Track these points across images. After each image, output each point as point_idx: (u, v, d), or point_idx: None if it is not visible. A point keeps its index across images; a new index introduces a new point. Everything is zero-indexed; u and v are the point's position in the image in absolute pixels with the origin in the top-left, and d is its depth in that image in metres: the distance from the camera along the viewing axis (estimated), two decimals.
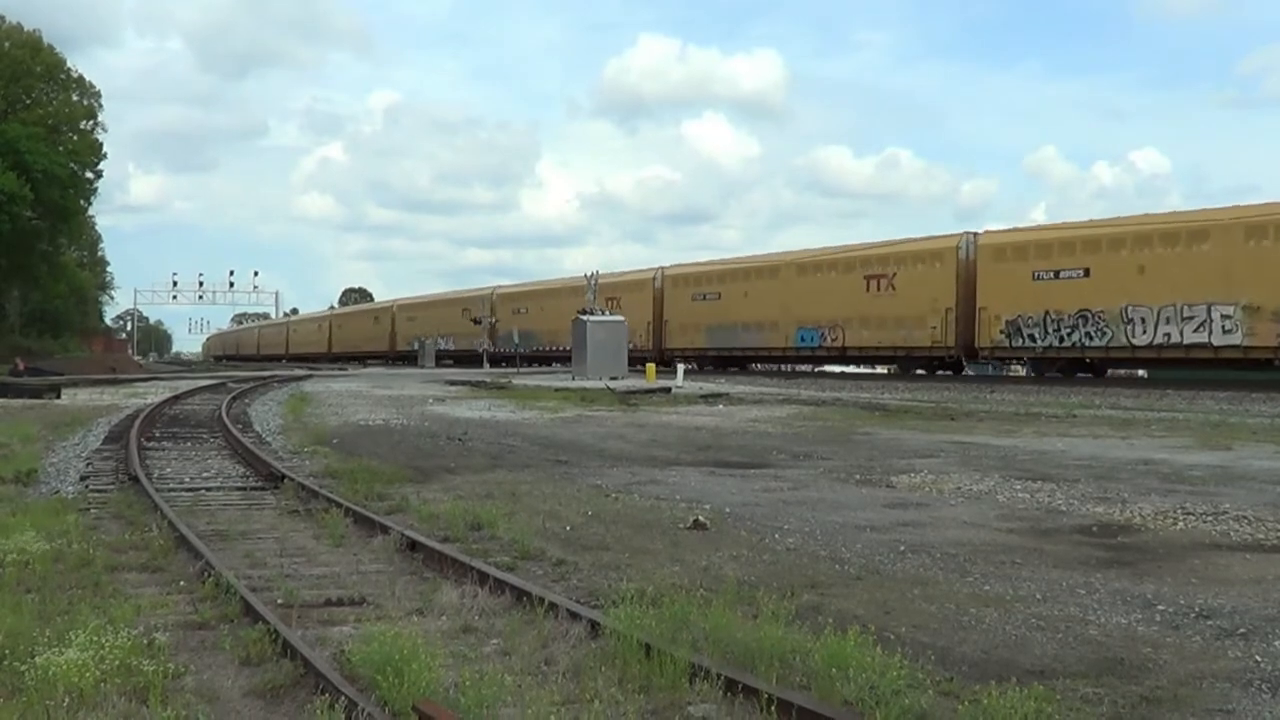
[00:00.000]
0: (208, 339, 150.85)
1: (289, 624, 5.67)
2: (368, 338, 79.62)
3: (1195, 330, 28.28)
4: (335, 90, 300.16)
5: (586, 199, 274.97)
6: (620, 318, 40.37)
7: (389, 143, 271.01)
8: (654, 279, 49.17)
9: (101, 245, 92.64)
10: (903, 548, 8.04)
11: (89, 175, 59.72)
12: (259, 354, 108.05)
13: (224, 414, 19.63)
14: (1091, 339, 30.81)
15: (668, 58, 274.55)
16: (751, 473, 12.69)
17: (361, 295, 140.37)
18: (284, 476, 11.54)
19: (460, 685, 4.60)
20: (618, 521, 9.25)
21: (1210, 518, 9.17)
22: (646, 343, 46.72)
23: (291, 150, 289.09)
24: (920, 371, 37.38)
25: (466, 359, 59.87)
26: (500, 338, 58.31)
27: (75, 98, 58.35)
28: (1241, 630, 5.74)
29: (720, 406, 25.29)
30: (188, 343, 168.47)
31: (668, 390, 30.02)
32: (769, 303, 41.64)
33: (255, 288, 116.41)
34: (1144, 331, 29.31)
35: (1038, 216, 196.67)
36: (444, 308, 67.31)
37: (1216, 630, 5.76)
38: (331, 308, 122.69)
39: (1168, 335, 28.77)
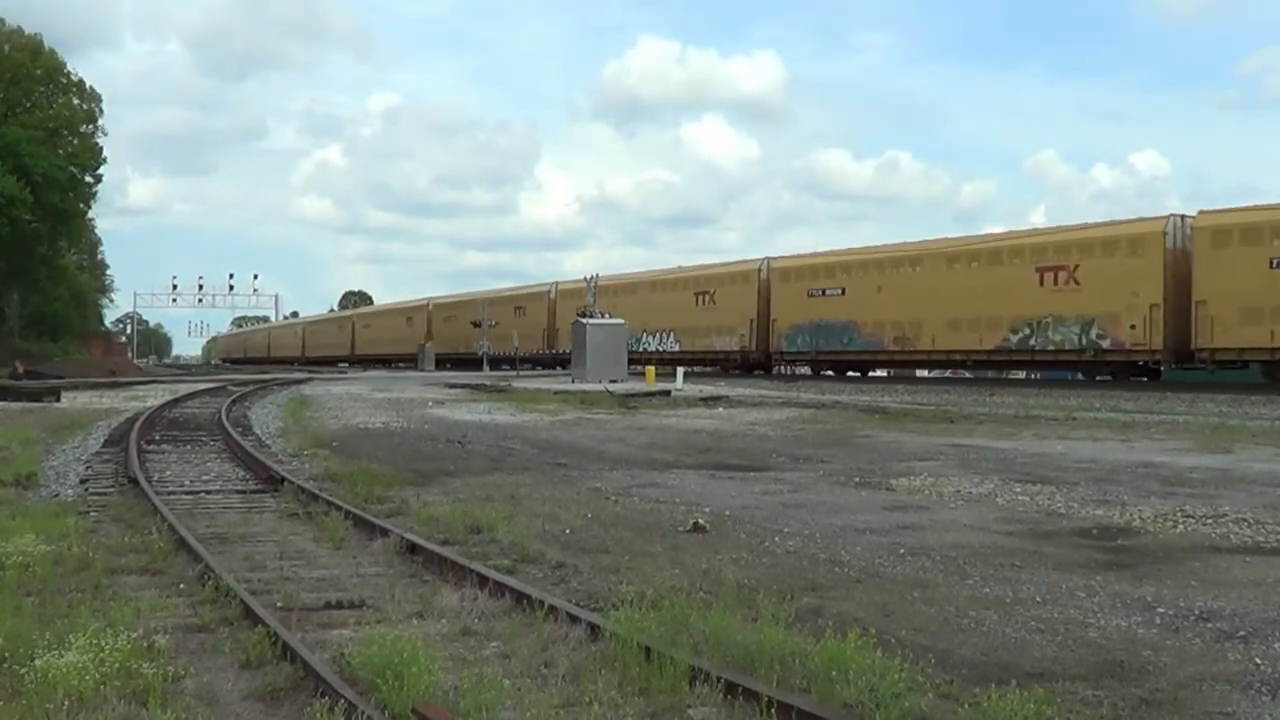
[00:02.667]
0: (211, 341, 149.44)
1: (289, 627, 5.67)
2: (397, 339, 71.97)
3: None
4: (334, 92, 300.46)
5: (586, 201, 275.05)
6: (620, 320, 40.35)
7: (388, 145, 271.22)
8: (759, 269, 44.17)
9: (101, 248, 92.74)
10: (903, 550, 8.04)
11: (89, 179, 59.77)
12: (269, 356, 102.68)
13: (224, 417, 19.63)
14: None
15: (667, 60, 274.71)
16: (751, 475, 12.69)
17: (362, 298, 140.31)
18: (284, 479, 11.54)
19: (460, 688, 4.60)
20: (617, 524, 9.25)
21: (1210, 520, 9.17)
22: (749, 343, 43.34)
23: (290, 153, 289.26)
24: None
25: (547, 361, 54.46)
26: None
27: (75, 101, 58.39)
28: (1242, 633, 5.74)
29: (720, 409, 25.30)
30: (187, 346, 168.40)
31: (667, 393, 30.02)
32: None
33: (255, 291, 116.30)
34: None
35: (1037, 219, 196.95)
36: (494, 307, 60.23)
37: (1216, 633, 5.76)
38: (331, 309, 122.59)
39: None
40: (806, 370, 43.00)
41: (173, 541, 8.10)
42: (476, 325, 58.07)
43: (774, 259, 43.66)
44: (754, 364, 44.38)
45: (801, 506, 10.22)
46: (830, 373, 41.37)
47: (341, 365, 76.69)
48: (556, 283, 57.05)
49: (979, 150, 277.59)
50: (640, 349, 45.99)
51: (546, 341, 55.28)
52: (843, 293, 39.08)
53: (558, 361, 50.37)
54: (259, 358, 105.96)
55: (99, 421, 19.69)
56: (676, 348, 46.81)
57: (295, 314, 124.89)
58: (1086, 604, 6.40)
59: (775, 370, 45.27)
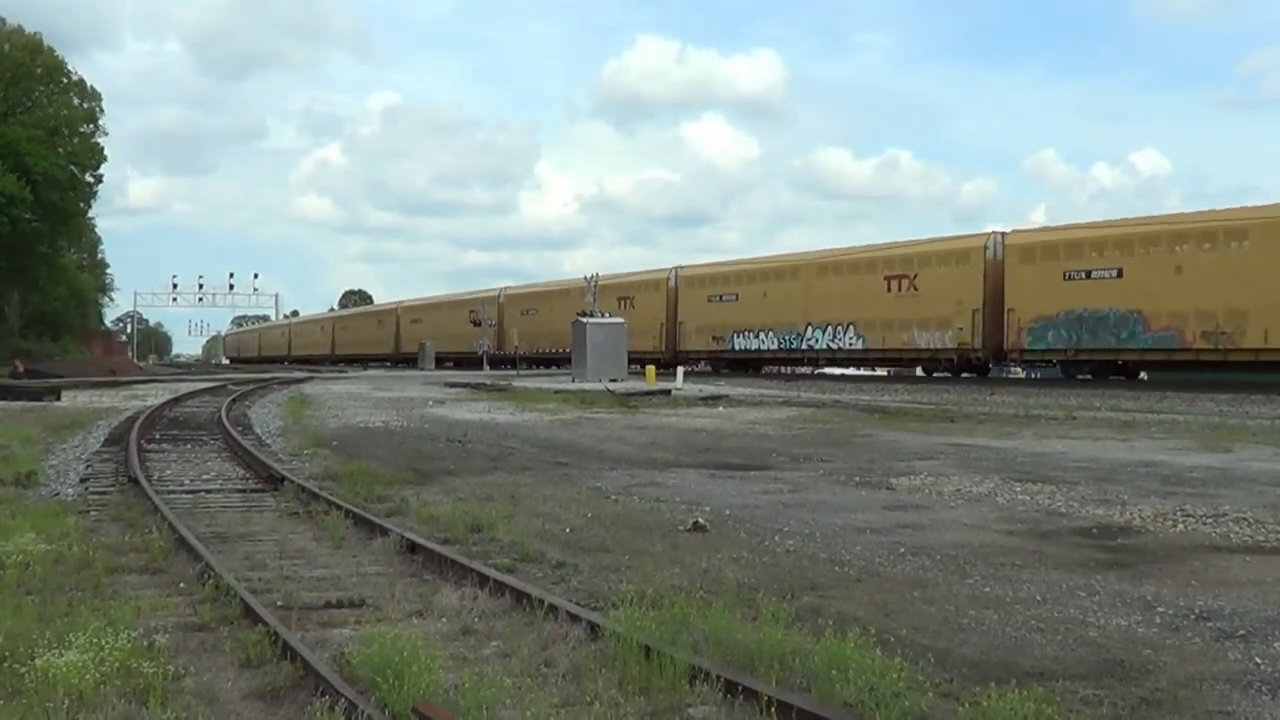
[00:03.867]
0: (212, 340, 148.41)
1: (289, 626, 5.67)
2: (456, 335, 61.79)
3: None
4: (334, 92, 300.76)
5: (586, 201, 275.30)
6: (621, 320, 40.36)
7: (388, 144, 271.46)
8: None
9: (101, 248, 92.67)
10: (903, 550, 8.04)
11: (89, 178, 59.74)
12: (290, 355, 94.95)
13: (224, 416, 19.62)
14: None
15: (667, 59, 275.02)
16: (751, 475, 12.69)
17: (362, 297, 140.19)
18: (284, 478, 11.54)
19: (460, 687, 4.60)
20: (617, 523, 9.25)
21: (1210, 520, 9.17)
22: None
23: (290, 152, 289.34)
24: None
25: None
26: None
27: (76, 101, 58.37)
28: (1241, 632, 5.74)
29: (720, 408, 25.29)
30: (188, 345, 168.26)
31: (667, 392, 30.02)
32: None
33: (255, 290, 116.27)
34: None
35: (1037, 218, 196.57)
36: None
37: (1216, 632, 5.76)
38: (331, 308, 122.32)
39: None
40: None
41: (173, 540, 8.10)
42: (476, 324, 57.90)
43: (1009, 233, 34.95)
44: (978, 365, 36.68)
45: (801, 506, 10.22)
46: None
47: (383, 365, 70.78)
48: (677, 267, 48.22)
49: (979, 150, 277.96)
50: (804, 345, 40.47)
51: (665, 339, 46.77)
52: (1119, 274, 30.81)
53: (677, 363, 42.51)
54: (276, 356, 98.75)
55: (99, 420, 19.69)
56: (859, 344, 38.57)
57: (295, 313, 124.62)
58: (1086, 603, 6.40)
59: (1007, 373, 40.51)
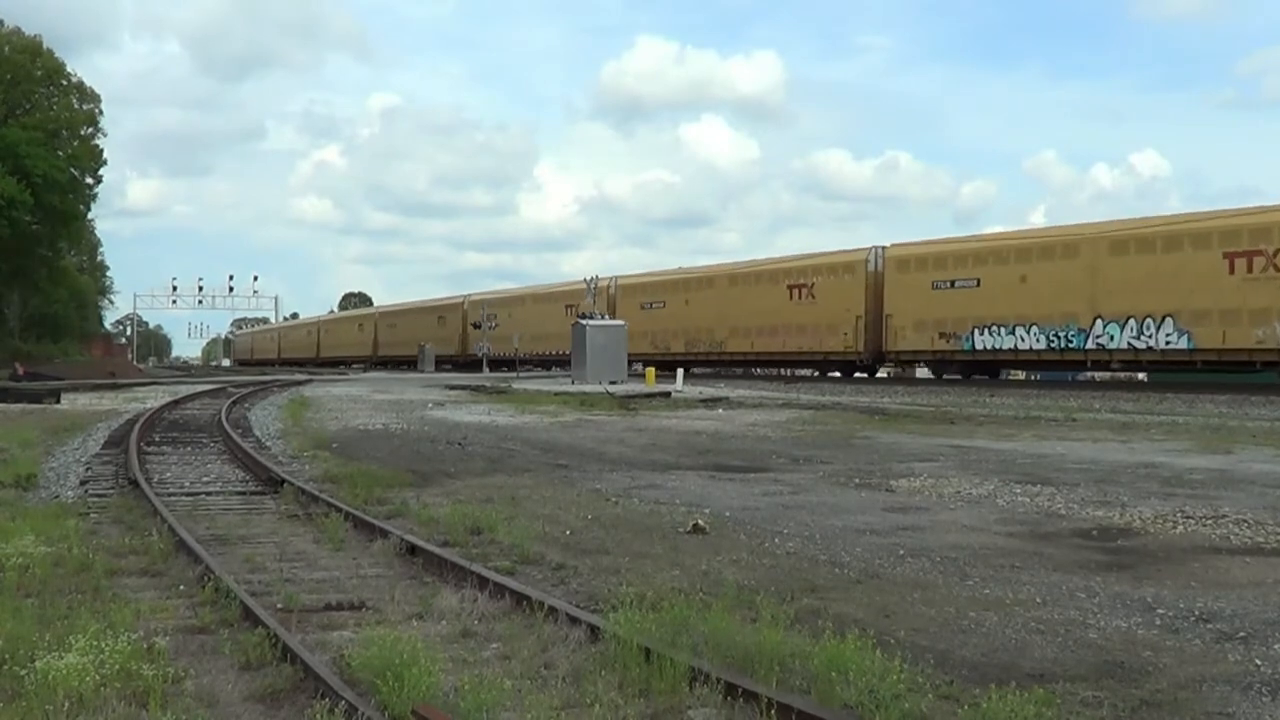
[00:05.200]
0: (221, 340, 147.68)
1: (289, 628, 5.67)
2: (551, 334, 53.33)
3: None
4: (333, 93, 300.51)
5: (585, 202, 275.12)
6: (621, 322, 40.34)
7: (387, 146, 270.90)
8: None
9: (101, 250, 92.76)
10: (902, 551, 8.04)
11: (89, 180, 59.73)
12: (319, 357, 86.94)
13: (224, 419, 19.63)
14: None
15: (666, 60, 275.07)
16: (751, 477, 12.69)
17: (361, 299, 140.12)
18: (283, 481, 11.54)
19: (460, 689, 4.60)
20: (617, 526, 9.25)
21: (1210, 521, 9.17)
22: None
23: (289, 153, 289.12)
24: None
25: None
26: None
27: (75, 103, 58.35)
28: (1241, 634, 5.74)
29: (720, 411, 25.30)
30: (187, 347, 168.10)
31: (667, 394, 30.02)
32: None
33: (255, 292, 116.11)
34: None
35: (1037, 219, 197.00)
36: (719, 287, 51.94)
37: (1216, 634, 5.76)
38: (331, 311, 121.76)
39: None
40: None
41: (173, 543, 8.09)
42: (476, 326, 58.05)
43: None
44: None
45: (801, 508, 10.22)
46: None
47: (444, 368, 61.60)
48: (877, 247, 38.44)
49: (979, 150, 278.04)
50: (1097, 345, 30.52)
51: (866, 336, 37.84)
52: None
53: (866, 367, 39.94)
54: (299, 358, 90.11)
55: (99, 423, 19.70)
56: (1184, 344, 28.44)
57: (295, 315, 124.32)
58: (1086, 605, 6.40)
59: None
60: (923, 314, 35.51)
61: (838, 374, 40.52)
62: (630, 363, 43.23)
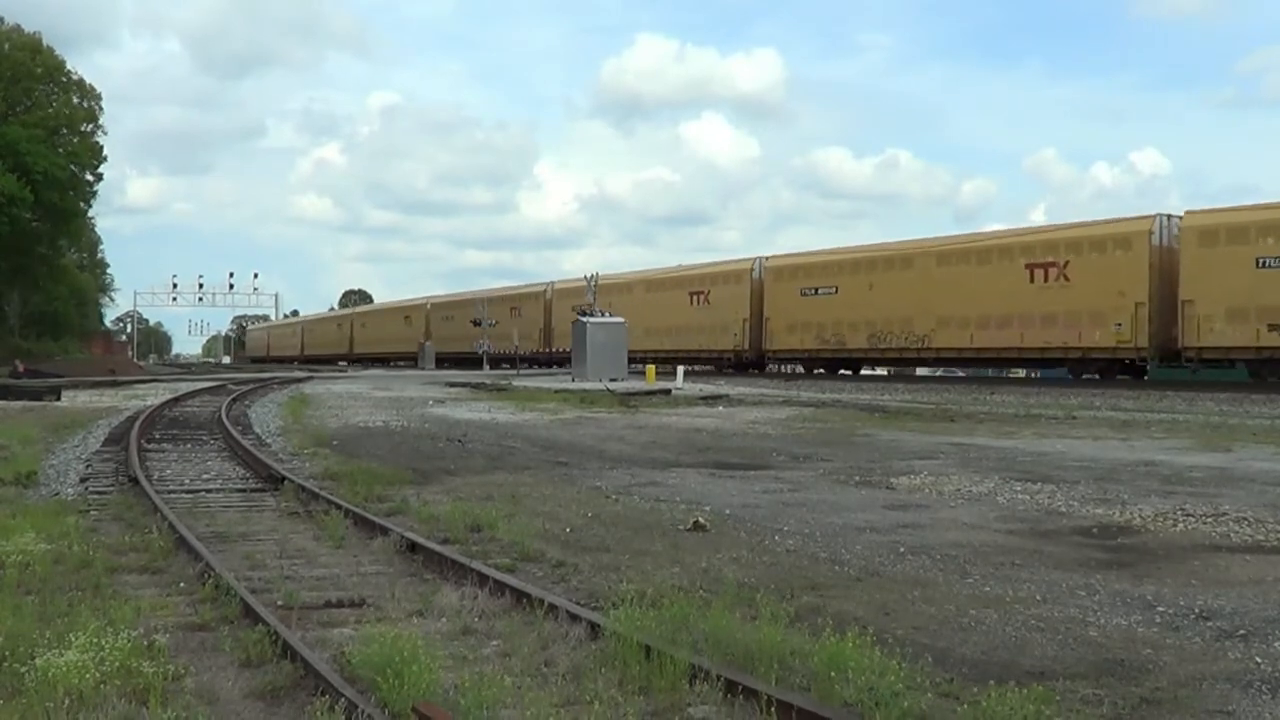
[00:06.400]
0: (212, 339, 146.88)
1: (289, 626, 5.67)
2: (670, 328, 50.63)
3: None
4: (333, 91, 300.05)
5: (585, 200, 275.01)
6: (620, 319, 40.34)
7: (387, 144, 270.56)
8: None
9: (101, 247, 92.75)
10: (902, 549, 8.04)
11: (89, 178, 59.78)
12: (351, 353, 77.48)
13: (224, 416, 19.62)
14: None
15: (666, 58, 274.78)
16: (751, 474, 12.69)
17: (362, 297, 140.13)
18: (284, 478, 11.54)
19: (460, 687, 4.60)
20: (617, 523, 9.25)
21: (1210, 519, 9.17)
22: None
23: (289, 151, 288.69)
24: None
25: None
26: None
27: (75, 100, 58.36)
28: (1242, 632, 5.74)
29: (720, 408, 25.29)
30: (188, 344, 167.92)
31: (668, 392, 30.02)
32: None
33: (255, 290, 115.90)
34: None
35: (1037, 218, 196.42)
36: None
37: (1216, 632, 5.76)
38: (331, 309, 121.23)
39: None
40: None
41: (173, 540, 8.09)
42: (476, 324, 57.65)
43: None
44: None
45: (801, 505, 10.22)
46: None
47: (503, 365, 54.69)
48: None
49: (979, 149, 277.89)
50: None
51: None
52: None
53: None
54: (327, 355, 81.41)
55: (99, 420, 19.69)
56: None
57: (295, 313, 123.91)
58: (1086, 602, 6.40)
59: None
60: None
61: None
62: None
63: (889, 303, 37.22)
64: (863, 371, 43.43)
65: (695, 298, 46.35)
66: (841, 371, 42.17)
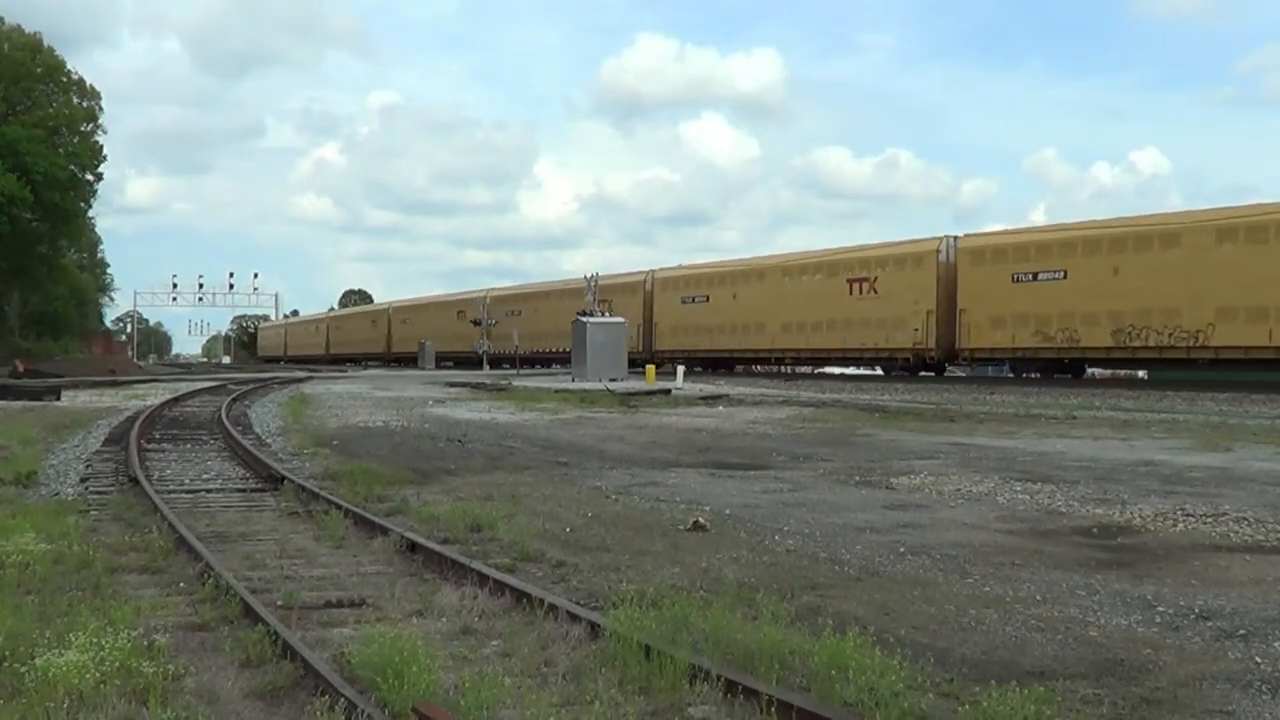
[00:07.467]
0: (212, 339, 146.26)
1: (289, 626, 5.67)
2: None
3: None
4: (332, 91, 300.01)
5: (585, 200, 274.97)
6: (621, 319, 40.33)
7: (387, 143, 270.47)
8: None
9: (101, 247, 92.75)
10: (902, 549, 8.04)
11: (89, 178, 59.75)
12: (389, 352, 69.90)
13: (224, 416, 19.62)
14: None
15: (666, 58, 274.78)
16: (751, 474, 12.68)
17: (362, 297, 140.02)
18: (284, 478, 11.54)
19: (460, 687, 4.60)
20: (617, 523, 9.25)
21: (1210, 519, 9.17)
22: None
23: (289, 151, 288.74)
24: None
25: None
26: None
27: (76, 100, 58.35)
28: (1242, 631, 5.74)
29: (720, 408, 25.29)
30: (188, 344, 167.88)
31: (667, 392, 30.02)
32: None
33: (255, 290, 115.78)
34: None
35: (1037, 218, 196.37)
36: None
37: (1217, 631, 5.76)
38: (332, 308, 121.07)
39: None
40: None
41: (173, 540, 8.09)
42: (476, 323, 57.39)
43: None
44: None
45: (801, 505, 10.22)
46: None
47: (554, 366, 50.54)
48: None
49: (979, 149, 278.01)
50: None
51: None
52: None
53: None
54: (356, 354, 74.02)
55: (99, 420, 19.69)
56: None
57: (295, 312, 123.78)
58: (1087, 602, 6.40)
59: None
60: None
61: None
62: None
63: (1144, 290, 29.57)
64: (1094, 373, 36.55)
65: (857, 286, 39.22)
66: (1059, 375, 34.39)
